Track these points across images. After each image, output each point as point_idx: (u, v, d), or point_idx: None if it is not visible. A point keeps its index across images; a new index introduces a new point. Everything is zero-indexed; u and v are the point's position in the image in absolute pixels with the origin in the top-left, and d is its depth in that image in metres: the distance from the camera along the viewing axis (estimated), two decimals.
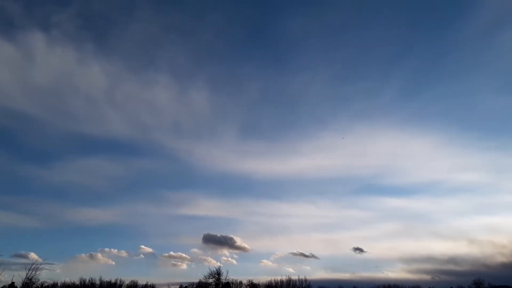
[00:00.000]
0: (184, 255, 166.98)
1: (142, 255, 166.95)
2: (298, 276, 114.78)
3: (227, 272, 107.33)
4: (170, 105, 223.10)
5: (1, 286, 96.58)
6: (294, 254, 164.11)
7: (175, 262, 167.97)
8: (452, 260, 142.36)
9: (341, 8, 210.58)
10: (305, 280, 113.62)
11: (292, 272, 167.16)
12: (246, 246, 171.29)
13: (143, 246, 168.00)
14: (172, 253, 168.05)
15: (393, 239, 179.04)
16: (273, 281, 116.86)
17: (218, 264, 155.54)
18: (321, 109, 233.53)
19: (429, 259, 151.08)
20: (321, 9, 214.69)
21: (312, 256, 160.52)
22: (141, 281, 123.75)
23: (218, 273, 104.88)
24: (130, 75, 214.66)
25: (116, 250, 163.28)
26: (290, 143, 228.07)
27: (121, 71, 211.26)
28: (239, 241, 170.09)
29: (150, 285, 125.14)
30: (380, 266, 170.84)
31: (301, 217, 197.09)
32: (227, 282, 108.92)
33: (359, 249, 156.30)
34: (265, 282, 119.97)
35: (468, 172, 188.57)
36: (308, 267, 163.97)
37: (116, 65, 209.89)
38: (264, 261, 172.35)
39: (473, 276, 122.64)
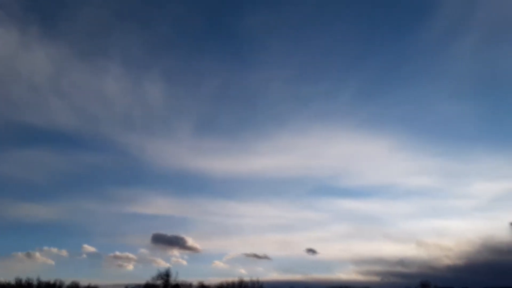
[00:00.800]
0: (131, 255, 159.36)
1: (84, 255, 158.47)
2: (251, 278, 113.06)
3: (177, 273, 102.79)
4: (122, 96, 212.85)
5: None
6: (247, 255, 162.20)
7: (121, 263, 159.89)
8: (401, 262, 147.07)
9: (303, 8, 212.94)
10: (258, 282, 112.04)
11: (244, 273, 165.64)
12: (198, 246, 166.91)
13: (86, 245, 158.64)
14: (118, 253, 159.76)
15: (345, 240, 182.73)
16: (224, 283, 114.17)
17: (168, 265, 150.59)
18: (280, 108, 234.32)
19: (379, 260, 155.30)
20: (283, 7, 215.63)
21: (265, 257, 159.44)
22: (83, 282, 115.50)
23: (167, 274, 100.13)
24: (78, 62, 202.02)
25: (56, 249, 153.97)
26: (248, 142, 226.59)
27: (68, 57, 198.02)
28: (190, 241, 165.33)
29: (92, 286, 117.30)
30: (332, 267, 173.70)
31: (256, 217, 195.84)
32: (177, 283, 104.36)
33: (312, 250, 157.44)
34: (216, 283, 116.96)
35: (419, 176, 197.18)
36: (260, 268, 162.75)
37: (63, 51, 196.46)
38: (216, 262, 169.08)
39: (420, 278, 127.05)
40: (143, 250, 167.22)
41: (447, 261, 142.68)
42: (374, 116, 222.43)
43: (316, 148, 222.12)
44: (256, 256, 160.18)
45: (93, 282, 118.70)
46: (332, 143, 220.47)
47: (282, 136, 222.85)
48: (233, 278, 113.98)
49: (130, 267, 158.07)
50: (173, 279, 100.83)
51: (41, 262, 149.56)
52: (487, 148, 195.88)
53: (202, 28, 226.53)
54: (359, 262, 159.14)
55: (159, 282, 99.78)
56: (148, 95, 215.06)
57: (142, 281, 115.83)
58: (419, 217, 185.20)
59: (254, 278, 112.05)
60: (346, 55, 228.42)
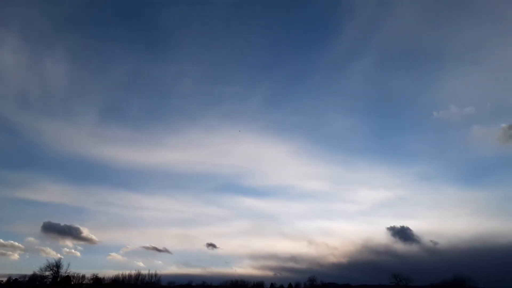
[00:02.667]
0: (16, 243, 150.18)
1: None
2: (149, 271, 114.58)
3: (69, 264, 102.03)
4: (18, 72, 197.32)
5: None
6: (147, 248, 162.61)
7: (3, 251, 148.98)
8: (293, 258, 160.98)
9: (220, 9, 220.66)
10: (155, 275, 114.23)
11: (142, 266, 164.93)
12: (94, 237, 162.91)
13: None
14: (1, 240, 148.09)
15: (244, 236, 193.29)
16: (120, 276, 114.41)
17: (59, 255, 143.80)
18: (191, 104, 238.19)
19: (273, 256, 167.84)
20: (201, 5, 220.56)
21: (166, 250, 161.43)
22: None
23: (57, 265, 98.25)
24: None
25: None
26: (157, 134, 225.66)
27: None
28: (86, 232, 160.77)
29: None
30: (230, 262, 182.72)
31: (158, 211, 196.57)
32: (67, 275, 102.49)
33: (212, 245, 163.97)
34: (111, 276, 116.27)
35: (313, 180, 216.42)
36: (160, 262, 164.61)
37: None
38: (113, 254, 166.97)
39: (309, 273, 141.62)
40: (31, 239, 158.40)
41: (332, 259, 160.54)
42: (277, 121, 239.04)
43: (224, 147, 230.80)
44: (155, 249, 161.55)
45: None
46: (239, 143, 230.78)
47: (191, 132, 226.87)
48: (130, 271, 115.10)
49: (15, 256, 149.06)
50: (64, 271, 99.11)
51: None
52: (371, 160, 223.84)
53: (116, 12, 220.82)
54: (255, 257, 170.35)
55: (48, 273, 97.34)
56: (49, 73, 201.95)
57: (29, 271, 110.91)
58: (311, 217, 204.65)
59: (152, 271, 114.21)
60: (257, 62, 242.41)
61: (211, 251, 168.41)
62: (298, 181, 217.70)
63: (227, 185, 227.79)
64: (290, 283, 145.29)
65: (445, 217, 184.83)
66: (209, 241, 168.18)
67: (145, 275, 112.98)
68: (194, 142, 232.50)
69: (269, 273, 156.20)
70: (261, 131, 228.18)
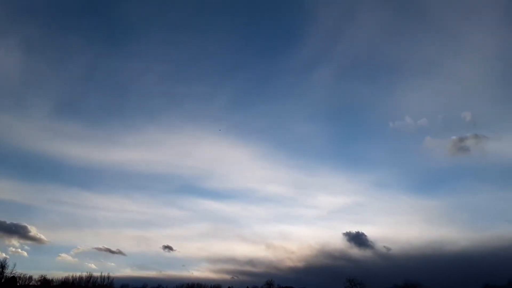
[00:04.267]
0: None
1: None
2: (101, 273, 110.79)
3: (15, 265, 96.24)
4: None
5: None
6: (99, 249, 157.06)
7: None
8: (251, 262, 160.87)
9: (187, 8, 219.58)
10: (108, 278, 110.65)
11: (94, 268, 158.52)
12: (43, 237, 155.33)
13: None
14: None
15: (203, 239, 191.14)
16: (70, 278, 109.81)
17: (4, 255, 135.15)
18: (152, 102, 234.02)
19: (231, 260, 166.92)
20: (168, 2, 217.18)
21: (120, 252, 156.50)
22: None
23: (2, 265, 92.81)
24: None
25: None
26: (114, 131, 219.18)
27: None
28: (34, 231, 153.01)
29: None
30: (188, 265, 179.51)
31: (113, 211, 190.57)
32: (13, 276, 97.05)
33: (168, 247, 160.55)
34: (61, 278, 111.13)
35: (274, 184, 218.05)
36: (113, 264, 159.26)
37: None
38: (63, 255, 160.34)
39: (266, 277, 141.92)
40: None
41: (290, 263, 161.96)
42: (240, 124, 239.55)
43: (185, 147, 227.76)
44: (109, 250, 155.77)
45: None
46: (201, 145, 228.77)
47: (151, 131, 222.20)
48: (81, 273, 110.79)
49: None
50: (9, 271, 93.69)
51: None
52: (331, 166, 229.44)
53: (77, 1, 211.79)
54: (213, 260, 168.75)
55: None
56: (1, 64, 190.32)
57: None
58: (270, 221, 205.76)
59: (105, 274, 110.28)
60: (222, 63, 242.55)
61: (167, 253, 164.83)
62: (259, 185, 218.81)
63: (187, 187, 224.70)
64: (247, 287, 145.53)
65: (398, 224, 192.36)
66: (166, 244, 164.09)
67: (97, 278, 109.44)
68: (154, 141, 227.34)
69: (227, 277, 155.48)
70: (224, 133, 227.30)
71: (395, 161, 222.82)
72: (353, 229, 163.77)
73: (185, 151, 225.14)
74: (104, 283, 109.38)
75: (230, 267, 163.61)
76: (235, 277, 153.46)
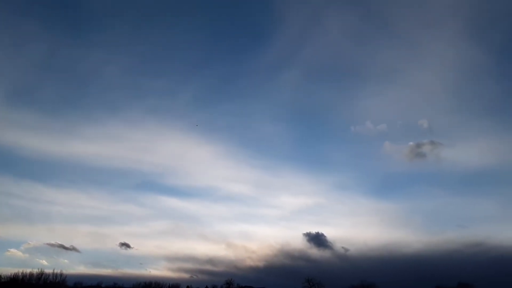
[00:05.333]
0: None
1: None
2: (53, 270, 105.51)
3: None
4: None
5: None
6: (52, 245, 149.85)
7: None
8: (211, 261, 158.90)
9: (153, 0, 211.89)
10: (61, 275, 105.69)
11: (46, 265, 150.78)
12: None
13: None
14: None
15: (162, 237, 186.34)
16: (20, 274, 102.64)
17: None
18: (114, 94, 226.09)
19: (191, 258, 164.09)
20: None
21: (74, 249, 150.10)
22: None
23: None
24: None
25: None
26: (72, 123, 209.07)
27: None
28: None
29: None
30: (145, 263, 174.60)
31: (68, 206, 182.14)
32: None
33: (126, 245, 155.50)
34: (9, 274, 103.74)
35: (237, 183, 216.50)
36: (66, 261, 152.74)
37: None
38: (12, 250, 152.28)
39: (226, 276, 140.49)
40: None
41: (250, 262, 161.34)
42: (205, 121, 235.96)
43: (147, 143, 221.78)
44: (62, 247, 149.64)
45: None
46: (164, 140, 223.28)
47: (112, 124, 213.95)
48: (31, 269, 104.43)
49: None
50: None
51: None
52: (294, 167, 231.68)
53: None
54: (172, 259, 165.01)
55: None
56: None
57: None
58: (232, 220, 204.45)
59: (58, 271, 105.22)
60: (189, 58, 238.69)
61: (124, 251, 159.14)
62: (222, 183, 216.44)
63: (148, 183, 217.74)
64: (206, 286, 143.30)
65: (357, 225, 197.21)
66: (123, 241, 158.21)
67: (49, 275, 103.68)
68: (114, 135, 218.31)
69: (186, 276, 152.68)
70: (188, 130, 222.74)
71: (355, 164, 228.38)
72: (313, 230, 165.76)
73: (146, 146, 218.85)
74: (57, 281, 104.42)
75: (190, 266, 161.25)
76: (194, 276, 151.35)
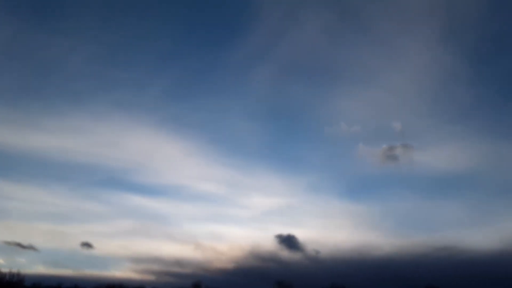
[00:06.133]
0: None
1: None
2: (10, 269, 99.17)
3: None
4: None
5: None
6: (8, 243, 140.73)
7: None
8: (178, 262, 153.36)
9: None
10: (18, 275, 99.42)
11: (2, 264, 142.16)
12: None
13: None
14: None
15: (127, 237, 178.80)
16: None
17: None
18: (78, 85, 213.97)
19: (157, 260, 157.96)
20: None
21: (32, 247, 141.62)
22: None
23: None
24: None
25: None
26: (32, 114, 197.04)
27: None
28: None
29: None
30: (108, 264, 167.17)
31: (26, 202, 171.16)
32: None
33: (87, 245, 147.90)
34: None
35: (208, 182, 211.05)
36: (23, 260, 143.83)
37: None
38: None
39: (194, 278, 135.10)
40: None
41: (219, 264, 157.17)
42: (175, 117, 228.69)
43: (113, 138, 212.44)
44: (19, 245, 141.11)
45: None
46: (131, 135, 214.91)
47: (75, 117, 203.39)
48: None
49: None
50: None
51: None
52: (267, 167, 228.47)
53: None
54: (137, 260, 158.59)
55: None
56: None
57: None
58: (201, 220, 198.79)
59: (14, 270, 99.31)
60: (160, 49, 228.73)
61: (86, 251, 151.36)
62: (192, 182, 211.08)
63: (112, 180, 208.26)
64: None
65: (328, 227, 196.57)
66: (85, 240, 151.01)
67: (5, 274, 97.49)
68: (78, 128, 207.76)
69: (151, 277, 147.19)
70: (157, 125, 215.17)
71: (328, 165, 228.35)
72: (285, 231, 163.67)
73: (112, 141, 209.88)
74: (13, 281, 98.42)
75: (156, 267, 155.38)
76: (160, 278, 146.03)
